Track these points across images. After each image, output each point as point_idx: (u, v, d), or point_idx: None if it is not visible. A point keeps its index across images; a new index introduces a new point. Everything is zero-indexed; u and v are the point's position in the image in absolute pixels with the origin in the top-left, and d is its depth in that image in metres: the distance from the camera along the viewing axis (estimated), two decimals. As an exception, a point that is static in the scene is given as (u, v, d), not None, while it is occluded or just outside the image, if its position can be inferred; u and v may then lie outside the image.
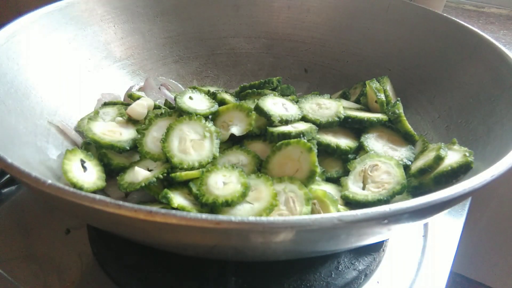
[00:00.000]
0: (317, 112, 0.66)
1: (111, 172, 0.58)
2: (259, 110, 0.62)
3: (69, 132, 0.64)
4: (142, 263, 0.55)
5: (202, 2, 0.86)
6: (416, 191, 0.55)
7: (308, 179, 0.54)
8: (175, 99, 0.64)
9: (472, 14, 1.26)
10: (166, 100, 0.75)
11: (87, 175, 0.55)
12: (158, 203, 0.52)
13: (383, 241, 0.61)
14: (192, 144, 0.57)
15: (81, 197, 0.35)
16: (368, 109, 0.72)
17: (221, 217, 0.32)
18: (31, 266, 0.57)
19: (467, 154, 0.54)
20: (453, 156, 0.55)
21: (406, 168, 0.59)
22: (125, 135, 0.62)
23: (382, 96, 0.68)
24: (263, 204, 0.48)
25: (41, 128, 0.60)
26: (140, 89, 0.78)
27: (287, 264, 0.56)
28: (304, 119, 0.64)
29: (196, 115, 0.59)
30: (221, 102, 0.67)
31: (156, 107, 0.70)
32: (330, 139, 0.62)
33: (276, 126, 0.61)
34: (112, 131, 0.62)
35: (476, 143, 0.57)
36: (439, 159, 0.55)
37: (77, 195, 0.35)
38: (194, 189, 0.51)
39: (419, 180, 0.56)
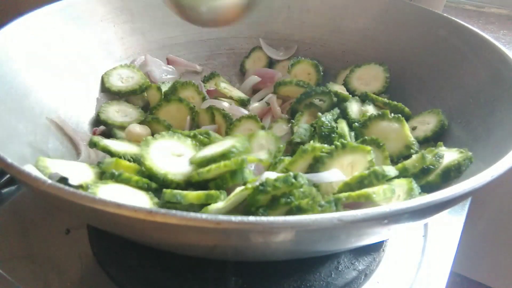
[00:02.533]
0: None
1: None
2: None
3: (67, 128, 0.64)
4: (142, 263, 0.55)
5: (202, 2, 0.86)
6: (425, 190, 0.55)
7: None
8: None
9: (472, 14, 1.25)
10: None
11: None
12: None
13: (383, 241, 0.61)
14: None
15: (81, 197, 0.35)
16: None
17: (221, 217, 0.32)
18: (31, 266, 0.57)
19: (463, 151, 0.54)
20: (450, 155, 0.56)
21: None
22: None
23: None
24: None
25: (41, 128, 0.60)
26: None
27: (287, 264, 0.56)
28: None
29: None
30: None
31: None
32: None
33: None
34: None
35: (476, 143, 0.57)
36: (439, 156, 0.55)
37: (76, 195, 0.35)
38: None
39: (425, 180, 0.55)
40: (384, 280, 0.58)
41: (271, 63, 0.88)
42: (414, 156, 0.56)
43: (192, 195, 0.47)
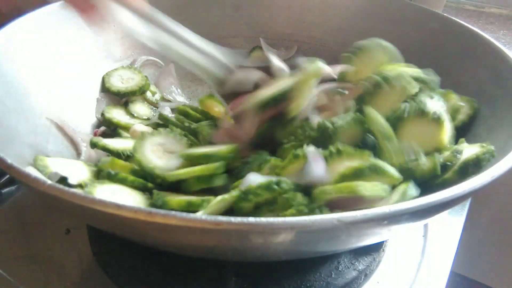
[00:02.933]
0: None
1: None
2: None
3: (67, 129, 0.64)
4: (142, 263, 0.55)
5: (202, 2, 0.86)
6: (440, 188, 0.53)
7: None
8: None
9: (472, 14, 1.25)
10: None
11: None
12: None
13: (383, 241, 0.61)
14: None
15: (81, 197, 0.35)
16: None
17: (220, 218, 0.32)
18: (31, 266, 0.57)
19: (484, 145, 0.52)
20: (470, 150, 0.53)
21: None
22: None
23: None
24: None
25: (41, 128, 0.60)
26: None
27: (287, 264, 0.56)
28: None
29: None
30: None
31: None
32: None
33: None
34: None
35: (476, 143, 0.57)
36: (457, 152, 0.52)
37: (76, 196, 0.35)
38: None
39: (441, 178, 0.53)
40: (384, 280, 0.58)
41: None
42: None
43: (174, 201, 0.48)
